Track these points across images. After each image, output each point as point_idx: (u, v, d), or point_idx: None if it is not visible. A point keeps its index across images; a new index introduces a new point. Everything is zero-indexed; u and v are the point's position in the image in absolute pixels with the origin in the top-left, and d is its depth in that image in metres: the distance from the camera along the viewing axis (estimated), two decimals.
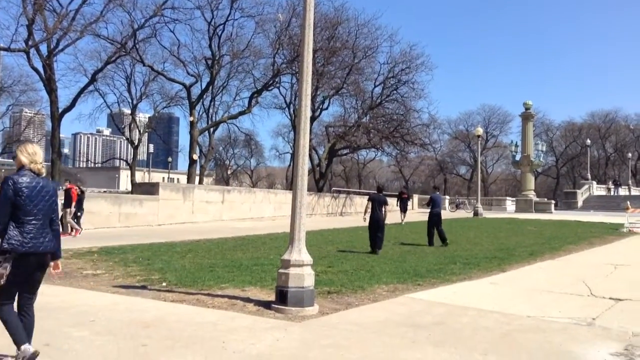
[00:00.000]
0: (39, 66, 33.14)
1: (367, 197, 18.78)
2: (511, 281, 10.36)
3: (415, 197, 49.25)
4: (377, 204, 15.08)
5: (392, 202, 27.88)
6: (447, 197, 56.31)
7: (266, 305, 7.40)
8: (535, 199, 48.08)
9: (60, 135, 35.09)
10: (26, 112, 73.21)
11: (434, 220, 17.03)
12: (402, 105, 42.41)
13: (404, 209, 28.30)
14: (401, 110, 42.51)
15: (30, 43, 30.29)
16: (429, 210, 17.62)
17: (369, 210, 15.00)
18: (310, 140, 9.25)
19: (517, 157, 50.64)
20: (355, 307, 7.62)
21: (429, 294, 8.68)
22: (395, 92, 42.25)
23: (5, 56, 58.56)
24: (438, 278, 10.19)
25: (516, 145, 51.53)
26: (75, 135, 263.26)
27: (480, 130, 41.56)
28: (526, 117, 50.05)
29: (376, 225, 14.68)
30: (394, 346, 5.69)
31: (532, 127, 52.04)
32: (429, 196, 20.88)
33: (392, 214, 20.37)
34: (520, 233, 22.03)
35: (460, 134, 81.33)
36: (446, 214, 42.31)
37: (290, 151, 59.71)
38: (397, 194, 32.18)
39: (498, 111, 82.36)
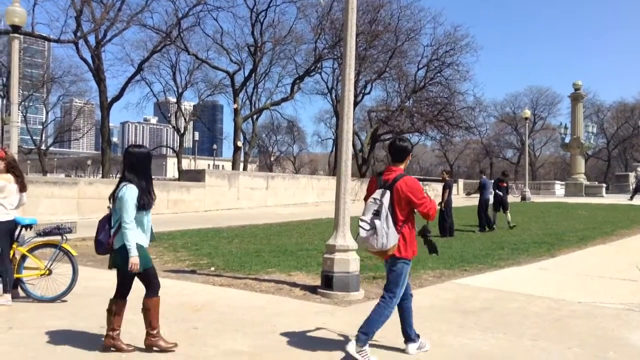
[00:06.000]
0: (88, 57, 34.07)
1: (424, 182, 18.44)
2: (561, 267, 10.12)
3: (460, 182, 48.52)
4: (450, 190, 15.42)
5: (437, 188, 26.49)
6: (491, 181, 55.28)
7: (312, 290, 7.47)
8: (585, 182, 46.64)
9: (110, 124, 36.07)
10: (76, 102, 75.56)
11: (486, 205, 16.83)
12: (446, 88, 41.78)
13: (503, 204, 17.67)
14: (445, 93, 41.89)
15: (78, 34, 31.10)
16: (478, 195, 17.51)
17: (446, 197, 15.18)
18: (353, 125, 9.21)
19: (567, 140, 49.10)
20: None
21: (476, 280, 8.58)
22: (439, 74, 41.63)
23: (55, 47, 60.45)
24: (485, 264, 10.05)
25: (565, 127, 49.94)
26: (123, 124, 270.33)
27: (527, 113, 40.46)
28: (576, 97, 48.42)
29: (451, 211, 14.97)
30: (441, 331, 5.66)
31: (582, 108, 50.35)
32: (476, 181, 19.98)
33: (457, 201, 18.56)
34: (570, 217, 21.45)
35: (506, 116, 79.34)
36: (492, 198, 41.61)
37: (333, 137, 59.63)
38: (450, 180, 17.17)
39: (546, 92, 79.98)
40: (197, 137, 78.89)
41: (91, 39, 33.14)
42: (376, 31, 37.47)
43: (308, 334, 5.52)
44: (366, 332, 4.68)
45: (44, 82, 59.34)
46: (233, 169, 39.22)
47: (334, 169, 40.89)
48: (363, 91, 42.82)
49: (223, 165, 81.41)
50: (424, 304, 6.90)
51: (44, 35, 31.63)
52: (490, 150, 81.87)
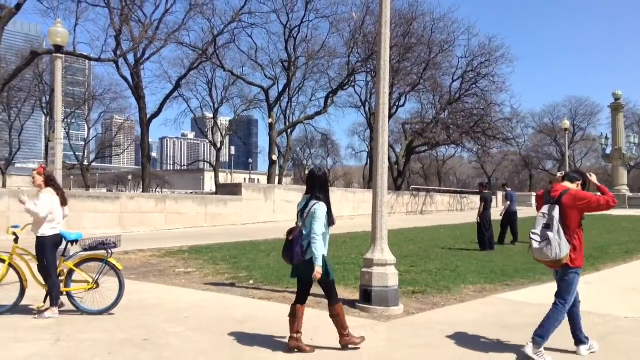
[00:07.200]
0: (128, 75, 34.96)
1: (453, 195, 18.10)
2: (606, 281, 9.84)
3: (500, 195, 47.75)
4: (487, 202, 15.10)
5: (475, 200, 26.05)
6: (534, 193, 54.04)
7: (350, 304, 7.44)
8: (628, 194, 45.25)
9: (149, 140, 36.82)
10: (117, 119, 77.44)
11: (513, 218, 16.51)
12: (482, 100, 41.32)
13: None
14: (481, 104, 41.42)
15: (118, 53, 31.94)
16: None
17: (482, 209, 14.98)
18: (388, 138, 9.17)
19: (608, 151, 47.86)
20: (442, 308, 7.51)
21: (518, 295, 8.42)
22: (474, 86, 41.22)
23: (96, 66, 62.33)
24: (527, 278, 9.84)
25: (606, 138, 48.71)
26: (162, 139, 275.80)
27: (566, 123, 39.53)
28: (616, 108, 47.20)
29: (490, 224, 14.76)
30: (484, 346, 5.57)
31: (622, 118, 49.00)
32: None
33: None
34: (614, 230, 20.85)
35: (545, 127, 77.75)
36: (532, 211, 40.77)
37: (367, 150, 59.51)
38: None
39: (585, 102, 78.07)
40: (233, 152, 79.69)
41: (130, 57, 34.02)
42: (409, 44, 37.41)
43: (348, 348, 5.50)
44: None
45: (85, 99, 61.09)
46: (268, 182, 39.52)
47: (369, 182, 40.82)
48: (397, 103, 42.70)
49: (258, 179, 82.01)
50: (467, 319, 6.80)
51: (85, 54, 32.64)
52: (529, 162, 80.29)
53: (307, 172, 5.23)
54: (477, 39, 63.12)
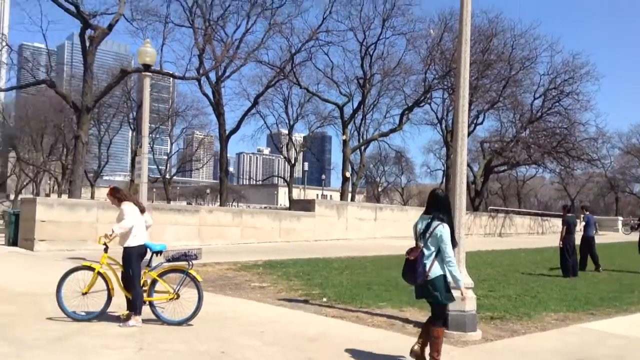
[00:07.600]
0: (209, 92, 36.40)
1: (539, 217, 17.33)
2: None
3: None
4: (570, 226, 14.56)
5: (558, 223, 25.24)
6: (620, 218, 51.16)
7: None
8: None
9: (227, 155, 37.95)
10: (197, 134, 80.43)
11: (591, 243, 15.69)
12: (565, 118, 39.77)
13: None
14: (565, 123, 39.86)
15: (201, 71, 33.34)
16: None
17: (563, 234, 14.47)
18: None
19: None
20: (522, 335, 7.22)
21: (603, 325, 7.96)
22: (557, 104, 39.77)
23: (180, 84, 65.05)
24: (613, 307, 9.31)
25: None
26: (239, 154, 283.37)
27: None
28: None
29: (573, 249, 14.24)
30: None
31: None
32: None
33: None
34: None
35: (633, 148, 73.48)
36: (619, 236, 38.50)
37: (442, 168, 58.47)
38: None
39: None
40: (306, 168, 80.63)
41: (212, 75, 35.41)
42: (489, 60, 36.63)
43: None
44: None
45: (169, 116, 63.95)
46: (341, 199, 39.60)
47: None
48: (475, 121, 41.82)
49: (331, 195, 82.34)
50: (547, 348, 6.52)
51: (171, 72, 34.26)
52: (615, 185, 76.03)
53: (430, 193, 5.26)
54: (561, 56, 60.48)
